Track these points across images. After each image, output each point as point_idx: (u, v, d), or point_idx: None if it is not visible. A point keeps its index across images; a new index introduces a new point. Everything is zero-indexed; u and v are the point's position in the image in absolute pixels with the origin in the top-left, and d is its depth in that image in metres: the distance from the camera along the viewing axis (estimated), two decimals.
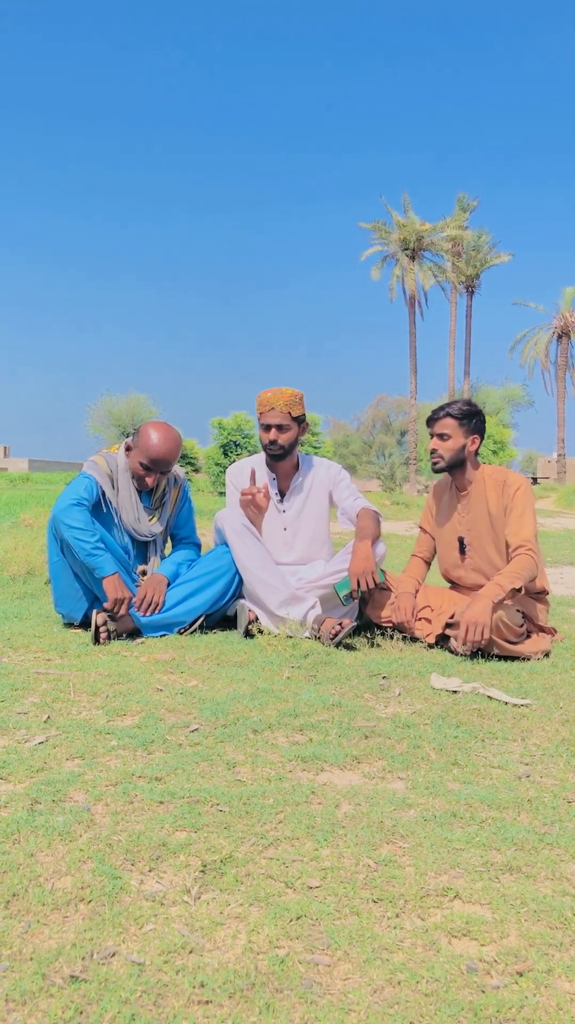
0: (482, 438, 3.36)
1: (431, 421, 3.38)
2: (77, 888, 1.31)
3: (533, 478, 46.47)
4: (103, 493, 3.31)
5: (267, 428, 3.44)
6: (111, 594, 3.13)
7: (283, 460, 3.50)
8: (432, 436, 3.37)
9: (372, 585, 3.20)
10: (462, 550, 3.43)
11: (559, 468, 41.66)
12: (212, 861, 1.41)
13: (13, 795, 1.67)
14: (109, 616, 3.14)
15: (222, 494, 21.06)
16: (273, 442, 3.43)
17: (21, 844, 1.45)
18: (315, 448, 24.72)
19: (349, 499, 3.56)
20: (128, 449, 3.40)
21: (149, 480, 3.34)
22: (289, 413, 3.42)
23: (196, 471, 27.54)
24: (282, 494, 3.57)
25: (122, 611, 3.14)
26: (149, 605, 3.26)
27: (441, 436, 3.33)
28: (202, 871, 1.38)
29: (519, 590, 3.10)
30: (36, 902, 1.26)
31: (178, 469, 3.59)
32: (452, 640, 3.18)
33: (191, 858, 1.42)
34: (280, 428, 3.42)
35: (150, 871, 1.38)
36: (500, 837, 1.53)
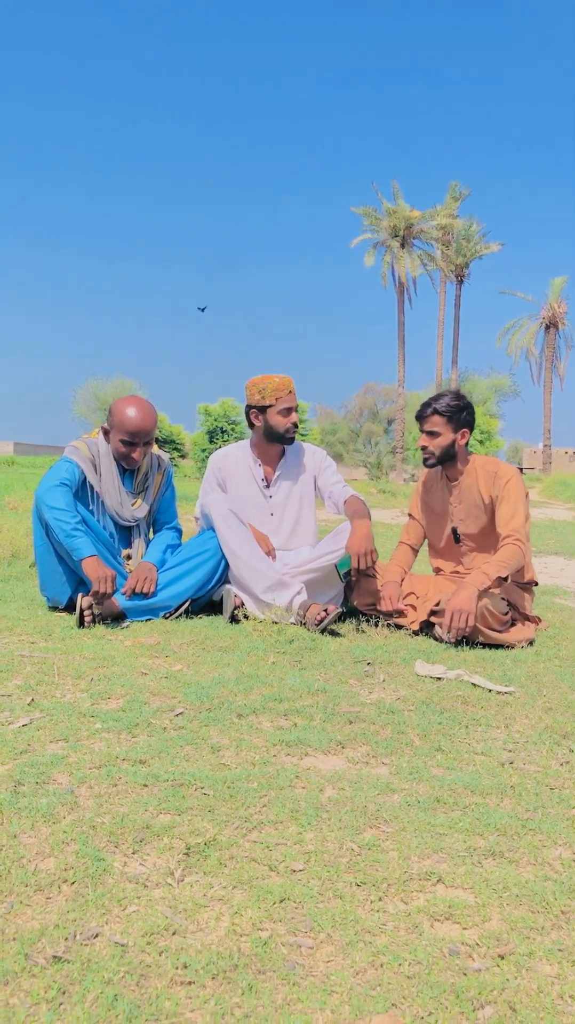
0: (471, 430, 3.36)
1: (419, 418, 3.37)
2: (60, 870, 1.30)
3: (519, 468, 46.60)
4: (85, 478, 3.29)
5: (289, 412, 3.50)
6: (92, 574, 3.09)
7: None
8: (422, 432, 3.36)
9: (371, 563, 3.22)
10: (456, 540, 3.45)
11: (545, 458, 41.80)
12: (196, 844, 1.41)
13: None
14: (95, 600, 3.12)
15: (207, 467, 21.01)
16: (296, 424, 3.53)
17: (4, 825, 1.44)
18: (302, 436, 24.70)
19: (336, 485, 3.58)
20: (106, 433, 3.37)
21: (135, 455, 3.32)
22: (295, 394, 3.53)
23: (183, 456, 27.46)
24: (268, 480, 3.57)
25: (108, 588, 3.10)
26: (140, 593, 3.25)
27: (430, 433, 3.32)
28: (186, 854, 1.38)
29: (505, 579, 3.11)
30: (19, 883, 1.26)
31: (163, 454, 3.58)
32: (437, 627, 3.19)
33: (175, 841, 1.42)
34: (298, 410, 3.50)
35: (134, 853, 1.38)
36: (483, 823, 1.54)
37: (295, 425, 3.52)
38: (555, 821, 1.57)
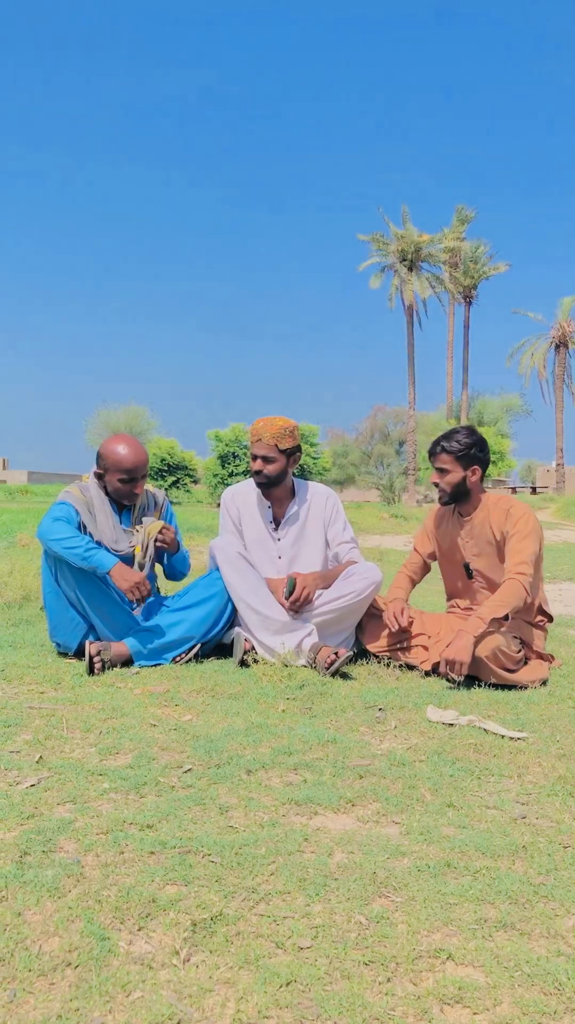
0: (484, 468, 3.34)
1: (430, 455, 3.38)
2: (64, 951, 1.29)
3: (532, 488, 46.45)
4: (81, 520, 3.29)
5: (255, 459, 3.44)
6: (123, 585, 3.11)
7: (271, 489, 3.49)
8: (433, 469, 3.36)
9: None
10: (469, 576, 3.43)
11: (558, 478, 41.62)
12: (202, 919, 1.39)
13: (3, 844, 1.65)
14: (136, 602, 3.17)
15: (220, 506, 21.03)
16: (259, 472, 3.44)
17: (9, 902, 1.43)
18: (314, 459, 24.68)
19: (344, 546, 3.55)
20: (99, 476, 3.39)
21: (137, 490, 3.35)
22: (276, 446, 3.40)
23: (195, 482, 27.52)
24: (276, 522, 3.55)
25: (142, 592, 3.14)
26: (170, 542, 3.34)
27: (440, 471, 3.32)
28: (192, 930, 1.36)
29: (507, 617, 3.08)
30: (23, 968, 1.24)
31: (157, 491, 3.58)
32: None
33: (181, 915, 1.40)
34: (266, 460, 3.41)
35: (139, 930, 1.37)
36: (494, 889, 1.51)
37: (259, 473, 3.43)
38: (567, 886, 1.54)
